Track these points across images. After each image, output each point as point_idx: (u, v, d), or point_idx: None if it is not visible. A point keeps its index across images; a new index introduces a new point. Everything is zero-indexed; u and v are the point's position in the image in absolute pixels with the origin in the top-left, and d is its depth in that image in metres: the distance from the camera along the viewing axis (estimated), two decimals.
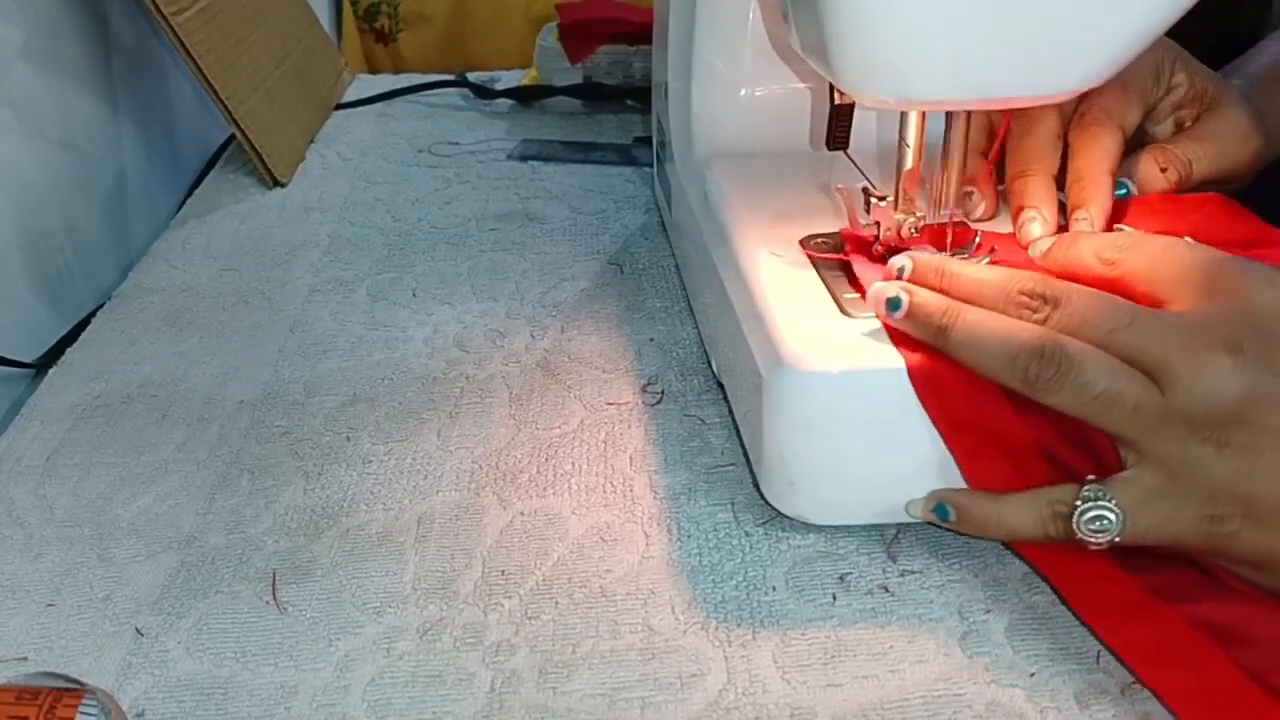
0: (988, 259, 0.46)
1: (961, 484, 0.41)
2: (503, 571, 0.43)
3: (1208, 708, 0.34)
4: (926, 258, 0.42)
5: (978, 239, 0.46)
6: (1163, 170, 0.47)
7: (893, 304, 0.40)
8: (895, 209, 0.46)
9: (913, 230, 0.46)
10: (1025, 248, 0.45)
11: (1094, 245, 0.40)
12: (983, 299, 0.39)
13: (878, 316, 0.42)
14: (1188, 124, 0.49)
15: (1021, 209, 0.45)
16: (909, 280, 0.42)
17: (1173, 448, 0.35)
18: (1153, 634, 0.36)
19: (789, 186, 0.54)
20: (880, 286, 0.42)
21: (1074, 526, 0.36)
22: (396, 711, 0.37)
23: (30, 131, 0.65)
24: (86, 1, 0.72)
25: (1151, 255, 0.38)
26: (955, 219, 0.46)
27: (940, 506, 0.38)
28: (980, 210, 0.49)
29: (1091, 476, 0.37)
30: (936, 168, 0.45)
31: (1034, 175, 0.46)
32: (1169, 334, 0.35)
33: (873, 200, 0.46)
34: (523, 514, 0.46)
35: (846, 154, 0.53)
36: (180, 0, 0.70)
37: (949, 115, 0.44)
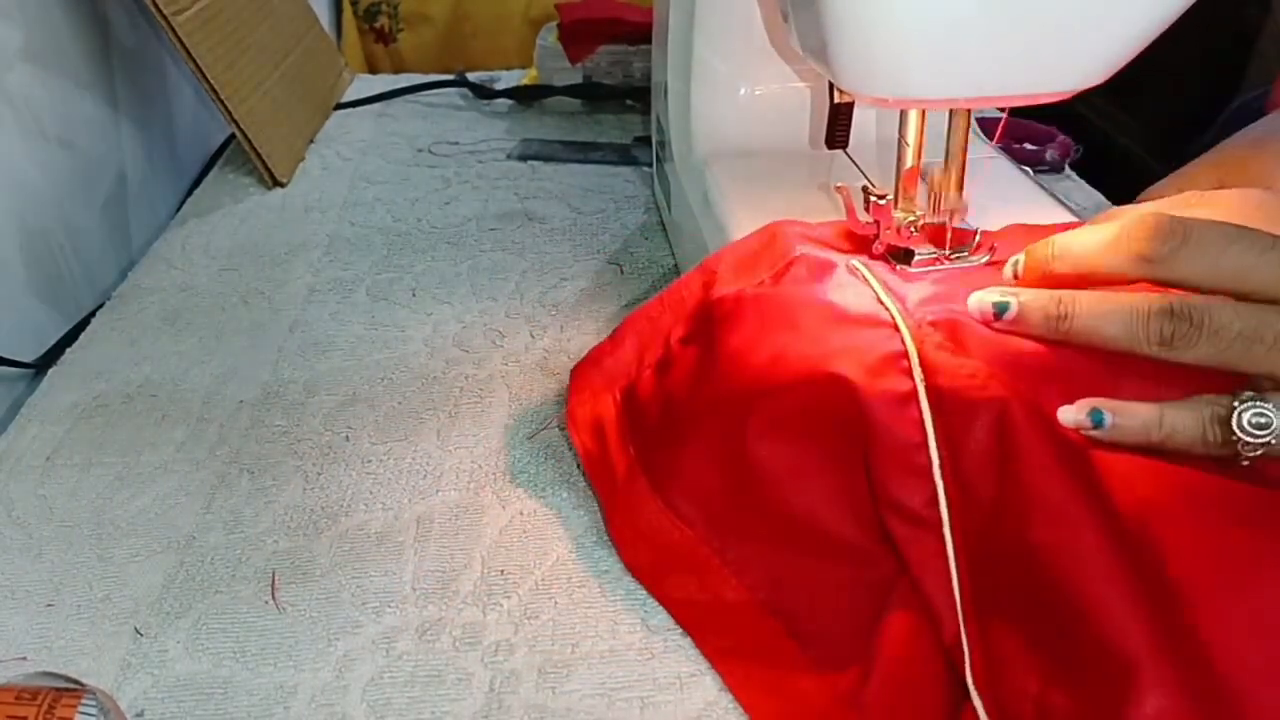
0: (987, 258, 0.46)
1: None
2: (502, 571, 0.43)
3: None
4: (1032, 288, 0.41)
5: (977, 238, 0.46)
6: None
7: (1000, 308, 0.39)
8: (895, 207, 0.46)
9: (913, 229, 0.46)
10: (1027, 238, 0.44)
11: (1129, 245, 0.38)
12: (1110, 321, 0.38)
13: (988, 325, 0.40)
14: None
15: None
16: (1019, 283, 0.41)
17: None
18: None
19: (788, 186, 0.54)
20: (981, 295, 0.40)
21: (1234, 426, 0.36)
22: (395, 711, 0.37)
23: (30, 131, 0.65)
24: (86, 1, 0.72)
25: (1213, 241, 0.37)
26: (955, 216, 0.46)
27: (1095, 412, 0.37)
28: None
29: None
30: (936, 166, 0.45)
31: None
32: None
33: (872, 199, 0.46)
34: (522, 514, 0.46)
35: (846, 153, 0.53)
36: (180, 0, 0.70)
37: (950, 114, 0.44)
